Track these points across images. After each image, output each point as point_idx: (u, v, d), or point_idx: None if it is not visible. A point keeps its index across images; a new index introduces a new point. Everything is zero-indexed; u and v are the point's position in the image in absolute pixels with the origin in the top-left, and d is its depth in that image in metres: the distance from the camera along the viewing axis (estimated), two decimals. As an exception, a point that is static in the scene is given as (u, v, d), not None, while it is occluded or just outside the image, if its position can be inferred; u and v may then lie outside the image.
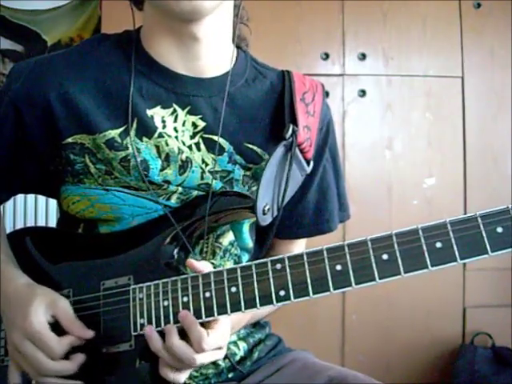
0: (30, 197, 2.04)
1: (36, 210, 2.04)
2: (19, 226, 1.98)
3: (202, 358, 0.68)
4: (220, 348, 0.70)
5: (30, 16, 2.13)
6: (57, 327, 0.72)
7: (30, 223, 2.04)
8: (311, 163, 0.86)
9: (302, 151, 0.83)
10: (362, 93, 2.05)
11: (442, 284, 1.99)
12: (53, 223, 0.86)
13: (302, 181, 0.86)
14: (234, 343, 0.89)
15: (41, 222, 2.03)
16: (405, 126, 2.06)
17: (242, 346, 0.89)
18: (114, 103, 0.80)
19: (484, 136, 2.06)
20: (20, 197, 2.04)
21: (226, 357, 0.84)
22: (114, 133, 0.79)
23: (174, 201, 0.81)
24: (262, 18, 1.92)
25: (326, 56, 2.04)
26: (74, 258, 0.80)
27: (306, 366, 0.89)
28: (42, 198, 2.04)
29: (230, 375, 0.87)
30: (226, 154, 0.82)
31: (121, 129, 0.79)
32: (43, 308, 0.72)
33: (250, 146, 0.83)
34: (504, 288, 2.02)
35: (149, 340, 0.69)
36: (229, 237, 0.85)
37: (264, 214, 0.78)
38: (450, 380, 1.96)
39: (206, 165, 0.81)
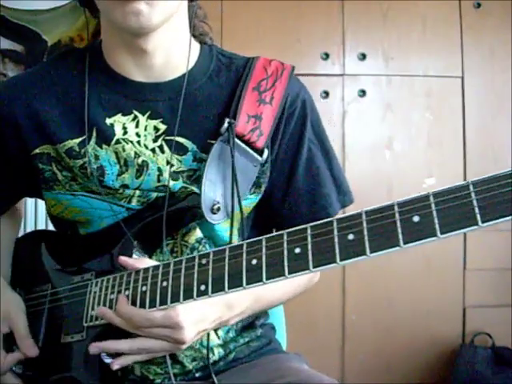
0: (30, 199, 2.04)
1: (36, 211, 2.04)
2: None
3: (155, 320, 0.71)
4: (174, 328, 0.72)
5: (30, 16, 2.13)
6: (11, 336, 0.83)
7: (30, 225, 2.04)
8: (265, 152, 0.84)
9: (247, 142, 0.82)
10: (362, 93, 2.05)
11: (441, 284, 1.99)
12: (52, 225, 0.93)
13: (257, 171, 0.85)
14: (211, 349, 0.87)
15: (40, 225, 2.03)
16: (405, 125, 2.06)
17: (218, 351, 0.88)
18: (75, 114, 0.84)
19: (484, 136, 2.06)
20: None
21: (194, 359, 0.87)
22: (73, 142, 0.83)
23: (134, 203, 0.84)
24: (262, 18, 1.93)
25: (326, 56, 2.04)
26: (58, 256, 0.89)
27: (276, 369, 0.86)
28: (41, 201, 2.04)
29: (198, 374, 0.87)
30: (189, 153, 0.83)
31: (80, 138, 0.83)
32: (1, 319, 0.83)
33: (214, 142, 0.83)
34: (504, 288, 2.02)
35: (103, 315, 0.76)
36: (195, 234, 0.85)
37: (213, 212, 0.80)
38: (450, 380, 1.96)
39: (172, 166, 0.83)
